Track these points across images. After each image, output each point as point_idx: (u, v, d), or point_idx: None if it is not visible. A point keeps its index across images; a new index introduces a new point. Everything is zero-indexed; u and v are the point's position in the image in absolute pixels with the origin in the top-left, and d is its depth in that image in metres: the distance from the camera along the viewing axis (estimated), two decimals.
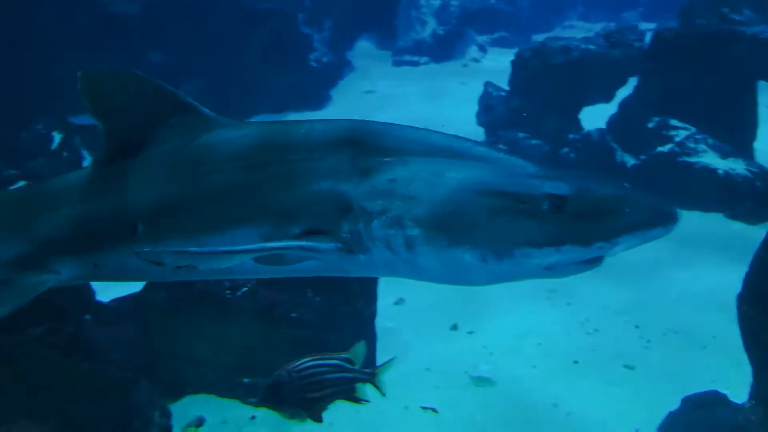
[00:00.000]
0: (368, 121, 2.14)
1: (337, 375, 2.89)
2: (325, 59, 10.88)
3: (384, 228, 1.82)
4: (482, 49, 13.62)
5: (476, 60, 13.14)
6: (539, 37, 15.46)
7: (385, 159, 1.92)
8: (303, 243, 1.88)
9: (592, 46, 7.75)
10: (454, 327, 4.84)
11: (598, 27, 16.18)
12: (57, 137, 6.16)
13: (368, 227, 1.84)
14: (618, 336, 4.73)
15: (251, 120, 9.80)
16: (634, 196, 1.78)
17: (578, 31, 16.13)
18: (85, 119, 7.82)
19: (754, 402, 3.19)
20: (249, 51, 10.21)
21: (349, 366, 2.91)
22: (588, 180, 1.79)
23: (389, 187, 1.85)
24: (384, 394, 2.98)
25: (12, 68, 7.19)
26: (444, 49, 13.09)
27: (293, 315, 3.74)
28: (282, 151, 2.04)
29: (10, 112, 6.41)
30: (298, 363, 2.86)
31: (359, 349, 2.96)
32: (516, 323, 4.87)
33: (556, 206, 1.69)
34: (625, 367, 4.38)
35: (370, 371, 2.96)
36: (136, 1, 10.78)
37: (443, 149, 1.96)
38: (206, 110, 2.38)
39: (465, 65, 12.94)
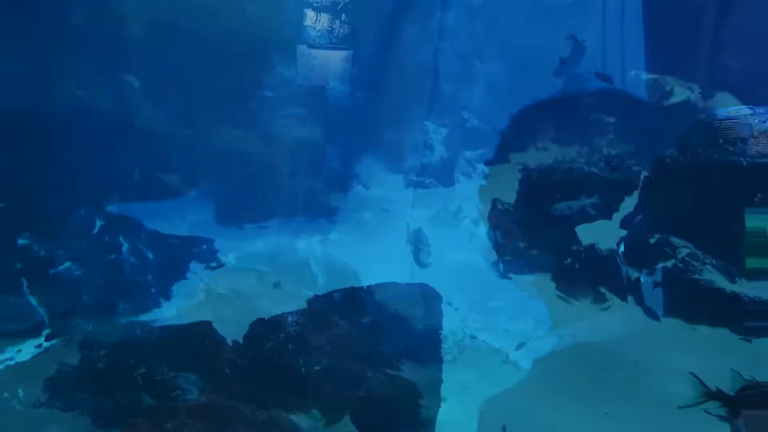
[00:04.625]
0: None
1: None
2: (339, 172, 11.12)
3: None
4: (470, 165, 14.06)
5: (467, 175, 13.57)
6: (516, 156, 16.07)
7: None
8: None
9: (594, 169, 8.08)
10: None
11: (571, 150, 16.85)
12: (98, 223, 6.18)
13: None
14: None
15: (265, 224, 9.92)
16: None
17: (552, 153, 16.75)
18: (115, 207, 7.88)
19: None
20: (270, 160, 10.43)
21: None
22: None
23: None
24: None
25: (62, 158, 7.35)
26: (448, 171, 13.56)
27: None
28: None
29: (60, 198, 6.48)
30: None
31: None
32: None
33: None
34: None
35: None
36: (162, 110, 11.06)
37: None
38: None
39: (459, 181, 13.32)
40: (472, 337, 6.15)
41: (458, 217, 10.81)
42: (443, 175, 13.62)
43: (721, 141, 7.07)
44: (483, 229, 8.91)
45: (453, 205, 11.62)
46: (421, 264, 6.79)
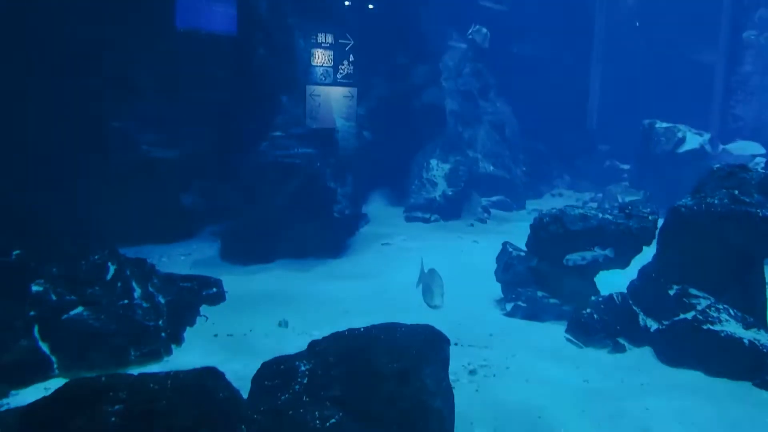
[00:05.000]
0: None
1: None
2: (347, 212, 11.09)
3: None
4: (486, 210, 14.07)
5: (482, 221, 13.54)
6: (532, 203, 16.16)
7: None
8: None
9: (608, 216, 8.04)
10: None
11: (586, 196, 16.92)
12: (111, 268, 6.11)
13: None
14: None
15: (273, 263, 9.90)
16: None
17: (567, 198, 16.83)
18: (130, 251, 7.84)
19: None
20: (279, 198, 10.42)
21: None
22: None
23: None
24: None
25: (71, 201, 7.35)
26: (453, 209, 13.51)
27: None
28: None
29: (72, 242, 6.43)
30: None
31: None
32: None
33: None
34: None
35: None
36: (176, 149, 11.13)
37: None
38: None
39: (472, 224, 13.29)
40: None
41: (465, 257, 10.75)
42: (448, 212, 13.64)
43: (736, 192, 7.05)
44: (490, 272, 8.83)
45: (461, 245, 11.59)
46: (432, 306, 6.70)
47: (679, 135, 13.98)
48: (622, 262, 7.82)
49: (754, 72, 16.95)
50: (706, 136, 14.15)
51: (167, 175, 10.88)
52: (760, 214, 6.76)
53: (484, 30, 16.64)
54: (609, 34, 19.48)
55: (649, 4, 18.95)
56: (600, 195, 16.18)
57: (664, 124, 14.28)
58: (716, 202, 7.05)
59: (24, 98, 9.39)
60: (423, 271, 6.84)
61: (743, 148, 13.55)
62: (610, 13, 19.49)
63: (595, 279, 8.00)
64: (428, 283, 6.74)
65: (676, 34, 18.29)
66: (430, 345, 4.96)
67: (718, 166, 7.71)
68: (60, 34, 9.77)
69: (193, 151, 11.22)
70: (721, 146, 14.06)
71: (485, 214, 13.87)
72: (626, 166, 17.54)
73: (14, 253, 5.95)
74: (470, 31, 16.65)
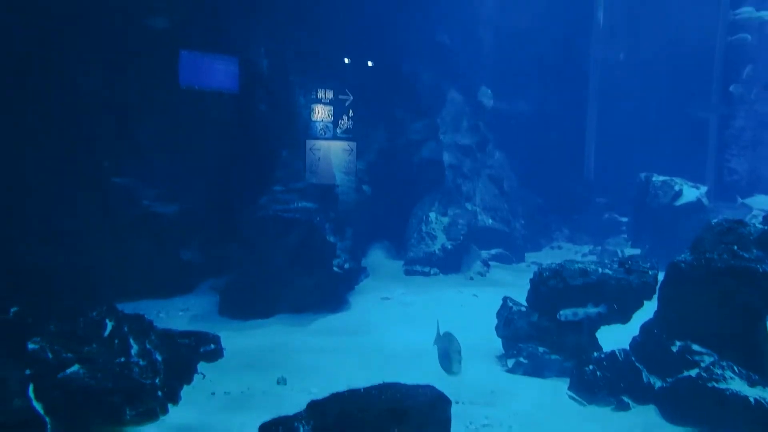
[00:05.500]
0: None
1: None
2: (346, 266, 11.06)
3: None
4: (486, 264, 14.04)
5: (481, 274, 13.51)
6: (532, 256, 16.15)
7: None
8: None
9: (608, 271, 8.02)
10: None
11: (585, 249, 16.92)
12: (109, 325, 6.06)
13: None
14: None
15: (272, 318, 9.84)
16: None
17: (566, 252, 16.82)
18: (128, 306, 7.79)
19: None
20: (279, 253, 10.41)
21: None
22: None
23: None
24: None
25: (71, 256, 7.34)
26: (452, 262, 13.49)
27: None
28: None
29: (71, 297, 6.40)
30: None
31: None
32: None
33: None
34: None
35: None
36: (176, 203, 11.18)
37: None
38: None
39: (471, 278, 13.24)
40: None
41: (465, 311, 10.67)
42: (447, 266, 13.61)
43: (735, 247, 7.06)
44: (490, 327, 8.75)
45: (461, 299, 11.54)
46: (450, 372, 6.29)
47: (676, 188, 14.07)
48: (623, 318, 7.77)
49: (746, 127, 17.22)
50: (703, 189, 14.26)
51: (167, 229, 10.91)
52: (761, 270, 6.76)
53: (489, 91, 17.07)
54: (603, 88, 19.83)
55: (641, 59, 19.36)
56: (599, 248, 16.21)
57: (661, 177, 14.40)
58: (716, 257, 7.05)
59: (25, 153, 9.48)
60: (439, 333, 6.52)
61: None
62: (603, 67, 19.89)
63: (597, 334, 7.93)
64: (446, 347, 6.23)
65: (669, 88, 18.63)
66: (432, 407, 4.88)
67: (716, 221, 7.74)
68: (62, 90, 9.94)
69: (193, 205, 11.27)
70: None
71: (485, 268, 13.84)
72: (625, 219, 17.61)
73: (12, 310, 5.92)
74: (478, 93, 17.09)
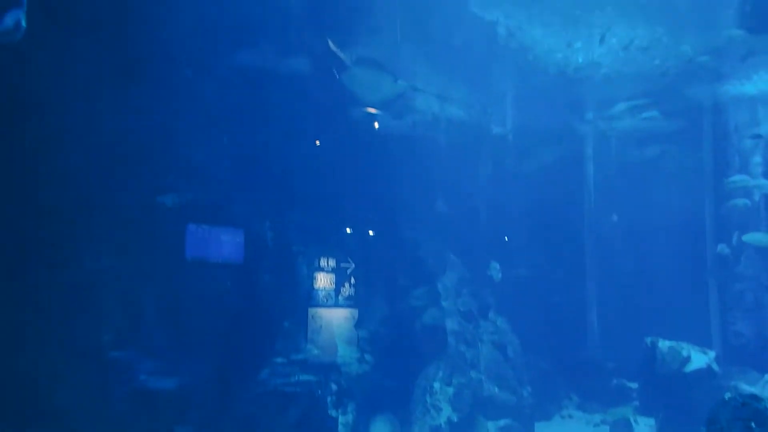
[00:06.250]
0: None
1: None
2: None
3: None
4: None
5: None
6: (542, 426, 15.49)
7: None
8: None
9: None
10: None
11: (596, 418, 16.29)
12: None
13: None
14: None
15: None
16: None
17: (578, 421, 16.20)
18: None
19: None
20: (279, 429, 10.05)
21: None
22: None
23: None
24: None
25: None
26: None
27: None
28: None
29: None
30: None
31: None
32: None
33: None
34: None
35: None
36: (175, 377, 10.96)
37: None
38: None
39: None
40: None
41: None
42: None
43: (752, 424, 6.82)
44: None
45: None
46: None
47: (684, 354, 13.83)
48: None
49: (746, 289, 17.27)
50: (711, 354, 14.01)
51: (163, 406, 10.56)
52: None
53: (498, 265, 17.43)
54: (598, 249, 20.16)
55: (632, 221, 19.88)
56: (608, 417, 15.61)
57: (668, 343, 14.19)
58: None
59: (24, 336, 9.43)
60: None
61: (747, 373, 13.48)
62: (597, 228, 20.36)
63: None
64: None
65: (664, 251, 18.94)
66: None
67: (729, 395, 7.53)
68: (65, 264, 10.06)
69: (192, 380, 11.01)
70: (727, 365, 13.94)
71: None
72: (634, 385, 17.11)
73: None
74: (489, 268, 17.47)
